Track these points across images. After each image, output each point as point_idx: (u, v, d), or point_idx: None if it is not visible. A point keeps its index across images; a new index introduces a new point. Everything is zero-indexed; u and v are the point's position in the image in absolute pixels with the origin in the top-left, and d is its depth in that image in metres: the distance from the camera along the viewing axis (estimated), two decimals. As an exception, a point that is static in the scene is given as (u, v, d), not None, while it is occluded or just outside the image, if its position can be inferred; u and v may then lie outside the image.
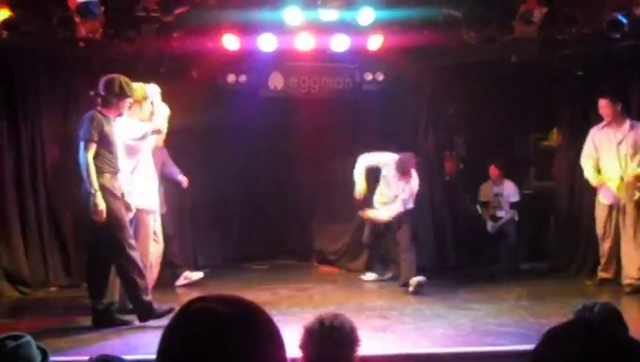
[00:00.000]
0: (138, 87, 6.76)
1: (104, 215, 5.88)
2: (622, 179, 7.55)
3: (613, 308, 3.55)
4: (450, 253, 9.10)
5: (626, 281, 7.50)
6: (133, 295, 6.09)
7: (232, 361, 1.33)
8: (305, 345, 3.03)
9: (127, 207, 6.23)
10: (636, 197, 7.44)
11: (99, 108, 6.08)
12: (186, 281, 8.07)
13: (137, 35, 7.34)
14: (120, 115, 6.27)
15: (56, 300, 7.08)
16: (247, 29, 7.89)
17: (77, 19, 6.68)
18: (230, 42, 7.90)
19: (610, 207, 7.67)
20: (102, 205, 5.86)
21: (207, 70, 8.66)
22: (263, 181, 9.83)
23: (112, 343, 5.61)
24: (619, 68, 8.20)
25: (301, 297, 7.50)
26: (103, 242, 6.04)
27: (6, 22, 6.52)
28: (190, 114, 8.46)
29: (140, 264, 6.10)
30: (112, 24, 7.11)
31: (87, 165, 5.89)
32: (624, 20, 6.87)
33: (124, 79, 6.17)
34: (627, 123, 7.60)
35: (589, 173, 7.77)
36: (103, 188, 5.92)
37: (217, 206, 9.48)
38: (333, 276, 9.06)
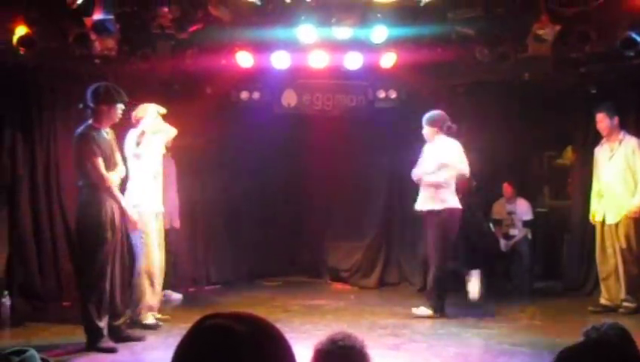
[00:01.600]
0: (150, 106, 6.82)
1: (138, 226, 5.90)
2: (614, 194, 7.54)
3: (622, 328, 3.51)
4: (463, 271, 9.05)
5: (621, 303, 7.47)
6: (85, 319, 5.95)
7: None
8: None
9: (131, 222, 6.24)
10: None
11: (89, 121, 6.03)
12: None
13: (152, 52, 7.39)
14: (113, 122, 6.18)
15: (69, 315, 7.09)
16: (261, 47, 7.94)
17: (93, 37, 6.74)
18: (244, 59, 7.95)
19: (602, 224, 7.65)
20: (135, 216, 5.92)
21: (221, 87, 8.72)
22: (276, 198, 9.84)
23: (124, 359, 5.61)
24: (633, 86, 8.19)
25: (313, 314, 7.49)
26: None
27: (23, 39, 6.58)
28: (204, 130, 8.53)
29: (106, 293, 5.93)
30: (127, 41, 7.16)
31: (104, 180, 5.87)
32: (638, 39, 6.86)
33: (111, 85, 6.14)
34: (619, 136, 7.60)
35: (593, 208, 7.76)
36: (92, 205, 5.88)
37: (230, 222, 9.50)
38: (345, 293, 9.04)
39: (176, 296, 8.21)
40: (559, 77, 8.29)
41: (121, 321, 6.12)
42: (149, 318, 6.70)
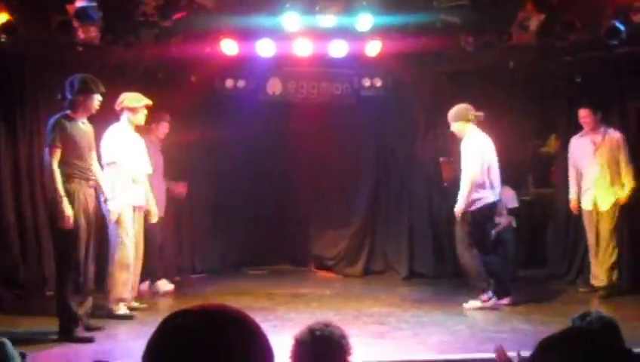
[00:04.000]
0: (131, 94, 6.81)
1: (71, 221, 5.84)
2: (604, 184, 7.73)
3: (608, 317, 3.54)
4: (447, 259, 9.09)
5: (597, 285, 7.72)
6: (61, 307, 5.94)
7: None
8: (295, 356, 3.01)
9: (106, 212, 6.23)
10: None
11: (66, 111, 6.04)
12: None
13: (136, 40, 7.33)
14: (90, 113, 6.18)
15: (53, 304, 7.05)
16: (245, 35, 7.89)
17: (75, 24, 6.68)
18: (229, 47, 7.90)
19: (591, 214, 7.85)
20: (68, 211, 5.83)
21: (206, 75, 8.67)
22: (261, 186, 9.82)
23: (106, 348, 5.59)
24: (616, 74, 8.23)
25: (298, 302, 7.49)
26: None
27: (5, 26, 6.51)
28: (188, 119, 8.48)
29: (79, 280, 5.96)
30: (110, 29, 7.09)
31: (52, 172, 5.86)
32: (622, 27, 6.88)
33: (88, 76, 6.13)
34: (601, 130, 7.77)
35: (571, 195, 8.01)
36: (69, 195, 5.87)
37: (215, 211, 9.47)
38: (330, 281, 9.05)
39: (168, 287, 8.13)
40: (544, 65, 8.32)
41: (83, 310, 6.09)
42: (121, 309, 6.70)
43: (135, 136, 6.98)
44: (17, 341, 5.46)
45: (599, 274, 7.72)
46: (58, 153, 5.89)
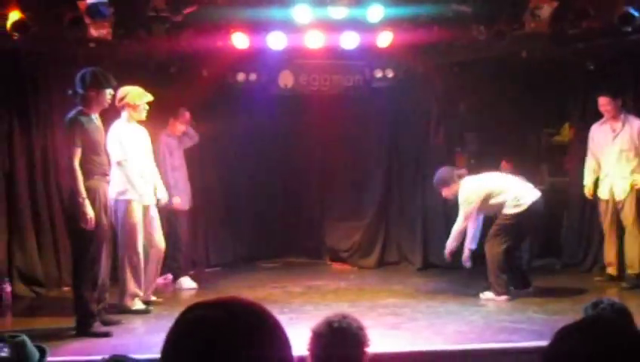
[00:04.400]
0: (134, 90, 6.80)
1: (93, 222, 5.87)
2: (622, 172, 7.68)
3: (620, 304, 3.53)
4: (462, 249, 9.06)
5: (628, 274, 7.64)
6: (78, 303, 5.98)
7: None
8: (313, 348, 3.03)
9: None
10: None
11: (79, 107, 6.03)
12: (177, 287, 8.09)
13: (147, 35, 7.35)
14: (103, 108, 6.19)
15: (69, 300, 7.11)
16: (256, 28, 7.89)
17: (87, 20, 6.70)
18: (240, 41, 7.90)
19: (607, 203, 7.80)
20: (91, 213, 5.84)
21: (217, 69, 8.66)
22: (274, 179, 9.83)
23: (125, 342, 5.64)
24: (630, 62, 8.17)
25: (313, 295, 7.51)
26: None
27: (17, 24, 6.54)
28: (200, 113, 8.50)
29: (98, 277, 6.01)
30: (122, 25, 7.12)
31: (73, 171, 5.86)
32: (635, 14, 6.82)
33: (99, 70, 6.12)
34: (621, 117, 7.69)
35: (586, 181, 7.96)
36: (88, 191, 5.88)
37: (228, 204, 9.49)
38: (345, 273, 9.06)
39: (191, 285, 8.09)
40: (557, 54, 8.25)
41: (100, 306, 6.14)
42: (137, 304, 6.73)
43: (138, 132, 6.95)
44: (35, 337, 5.53)
45: (633, 262, 7.61)
46: (78, 153, 5.89)
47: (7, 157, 7.65)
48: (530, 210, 7.16)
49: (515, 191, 7.21)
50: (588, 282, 7.95)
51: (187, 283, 8.00)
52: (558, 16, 7.11)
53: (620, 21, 6.95)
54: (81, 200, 5.82)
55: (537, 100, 9.19)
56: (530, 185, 7.42)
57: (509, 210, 7.16)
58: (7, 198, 7.61)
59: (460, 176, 7.40)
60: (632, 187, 7.62)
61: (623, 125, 7.69)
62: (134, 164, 6.79)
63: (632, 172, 7.65)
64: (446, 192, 7.43)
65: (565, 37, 7.54)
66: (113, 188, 6.58)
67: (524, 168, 9.13)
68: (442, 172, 7.50)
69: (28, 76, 7.84)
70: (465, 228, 7.33)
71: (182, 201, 7.96)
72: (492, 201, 7.24)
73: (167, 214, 7.72)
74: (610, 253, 7.88)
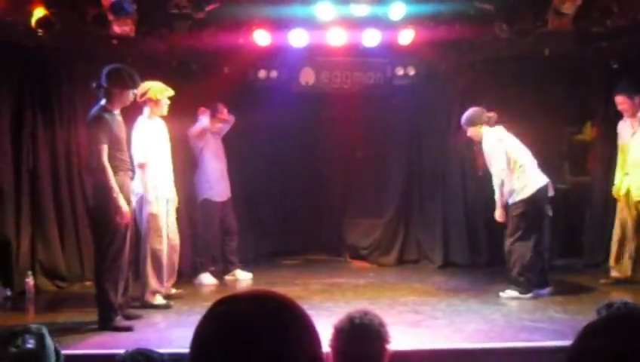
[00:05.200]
0: (155, 85, 6.85)
1: (129, 217, 5.93)
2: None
3: (633, 304, 3.52)
4: (482, 248, 9.03)
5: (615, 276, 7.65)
6: (101, 298, 6.03)
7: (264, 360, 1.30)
8: (335, 344, 3.04)
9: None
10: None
11: (101, 103, 6.07)
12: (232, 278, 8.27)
13: (169, 32, 7.39)
14: (124, 106, 6.24)
15: (92, 294, 7.17)
16: (278, 25, 7.90)
17: (110, 17, 6.75)
18: (261, 38, 7.92)
19: (626, 201, 7.70)
20: (125, 207, 5.91)
21: (239, 66, 8.70)
22: (295, 176, 9.85)
23: (146, 336, 5.68)
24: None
25: (333, 292, 7.52)
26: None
27: (41, 20, 6.60)
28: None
29: (122, 272, 6.04)
30: (144, 22, 7.16)
31: (104, 168, 5.89)
32: (660, 12, 6.75)
33: (125, 69, 6.16)
34: (639, 115, 7.61)
35: (617, 180, 7.81)
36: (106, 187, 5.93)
37: (249, 201, 9.52)
38: (365, 271, 9.06)
39: (246, 275, 8.33)
40: (580, 52, 8.18)
41: (122, 300, 6.19)
42: (157, 299, 6.80)
43: (160, 127, 7.02)
44: (58, 331, 5.60)
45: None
46: (106, 149, 5.93)
47: (32, 153, 7.72)
48: (536, 197, 7.10)
49: (524, 173, 7.13)
50: (609, 282, 7.87)
51: (207, 279, 8.05)
52: (581, 14, 7.05)
53: (644, 19, 6.88)
54: (115, 195, 5.87)
55: (560, 99, 9.12)
56: (538, 171, 7.27)
57: (516, 197, 7.09)
58: (30, 193, 7.69)
59: (490, 120, 7.28)
60: None
61: None
62: (156, 160, 6.85)
63: None
64: (471, 132, 7.34)
65: (589, 35, 7.48)
66: (137, 185, 6.66)
67: (546, 166, 9.08)
68: (472, 111, 7.36)
69: (52, 72, 7.91)
70: (505, 178, 7.12)
71: (216, 193, 8.11)
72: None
73: (202, 206, 7.98)
74: (616, 254, 7.78)
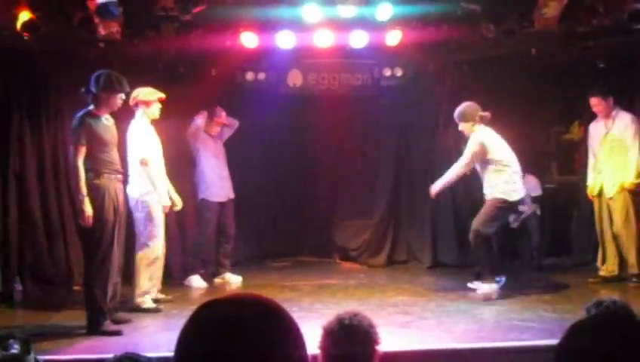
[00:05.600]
0: (145, 89, 6.85)
1: (91, 220, 5.88)
2: (612, 168, 7.70)
3: (622, 302, 3.53)
4: (471, 248, 9.04)
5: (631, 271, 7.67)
6: (89, 302, 5.99)
7: None
8: (324, 345, 3.03)
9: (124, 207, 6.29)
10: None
11: (89, 107, 6.07)
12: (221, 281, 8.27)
13: (156, 35, 7.37)
14: (112, 110, 6.22)
15: (80, 299, 7.14)
16: (265, 27, 7.90)
17: (96, 20, 6.73)
18: (249, 40, 7.91)
19: (600, 200, 7.83)
20: (89, 211, 5.86)
21: (226, 68, 8.69)
22: (283, 178, 9.84)
23: (135, 340, 5.65)
24: (641, 59, 8.14)
25: (323, 293, 7.51)
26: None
27: (27, 24, 6.57)
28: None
29: (110, 276, 6.00)
30: (131, 24, 7.14)
31: (76, 169, 5.89)
32: (645, 11, 6.78)
33: (113, 74, 6.15)
34: (612, 114, 7.73)
35: (589, 181, 7.97)
36: (97, 189, 5.92)
37: (238, 203, 9.48)
38: (354, 272, 9.06)
39: (236, 279, 8.31)
40: (566, 52, 8.22)
41: (111, 304, 6.15)
42: (147, 302, 6.77)
43: (152, 130, 7.03)
44: (46, 335, 5.57)
45: (631, 261, 7.61)
46: (83, 151, 5.92)
47: (18, 157, 7.68)
48: (514, 204, 7.26)
49: (512, 177, 7.20)
50: (598, 281, 7.91)
51: (196, 282, 8.02)
52: (568, 14, 7.08)
53: (630, 18, 6.91)
54: (81, 197, 5.86)
55: (547, 98, 9.16)
56: (521, 185, 7.35)
57: (502, 196, 7.15)
58: (17, 197, 7.64)
59: (482, 119, 7.30)
60: (621, 187, 7.58)
61: (614, 121, 7.72)
62: (154, 163, 6.85)
63: (622, 168, 7.60)
64: (462, 127, 7.35)
65: (575, 35, 7.52)
66: (136, 188, 6.69)
67: (534, 166, 9.12)
68: (466, 106, 7.36)
69: (38, 76, 7.87)
70: (462, 174, 7.30)
71: (213, 193, 8.14)
72: (489, 167, 7.20)
73: (199, 206, 8.02)
74: (601, 254, 7.88)
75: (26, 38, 6.73)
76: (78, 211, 5.95)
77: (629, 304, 3.64)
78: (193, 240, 8.23)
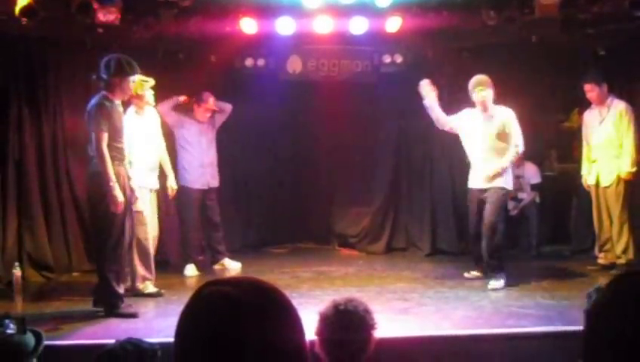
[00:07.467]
0: (137, 81, 6.80)
1: (121, 207, 5.90)
2: (607, 157, 7.64)
3: None
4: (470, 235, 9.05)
5: (602, 262, 7.72)
6: (104, 288, 6.04)
7: (248, 346, 1.29)
8: (321, 331, 3.04)
9: (132, 194, 6.29)
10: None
11: (103, 92, 6.03)
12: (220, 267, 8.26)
13: (155, 20, 7.34)
14: (126, 95, 6.22)
15: (80, 285, 7.14)
16: (265, 13, 7.87)
17: (95, 6, 6.70)
18: (248, 26, 7.89)
19: (597, 189, 7.77)
20: (120, 197, 5.87)
21: (226, 54, 8.66)
22: (282, 165, 9.83)
23: (135, 326, 5.67)
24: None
25: (322, 280, 7.53)
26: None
27: (25, 9, 6.55)
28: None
29: (123, 260, 6.09)
30: (130, 10, 7.12)
31: (103, 156, 5.85)
32: (647, -2, 6.77)
33: (124, 58, 6.10)
34: (607, 102, 7.64)
35: (582, 170, 7.93)
36: (102, 175, 5.89)
37: (237, 190, 9.51)
38: (353, 259, 9.08)
39: (235, 265, 8.29)
40: (567, 39, 8.20)
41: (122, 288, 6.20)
42: (149, 287, 6.80)
43: (146, 120, 7.01)
44: (46, 322, 5.58)
45: (618, 251, 7.61)
46: (105, 137, 5.88)
47: (17, 144, 7.67)
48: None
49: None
50: (596, 268, 7.92)
51: (190, 271, 7.99)
52: (568, 1, 7.06)
53: (631, 6, 6.90)
54: (112, 183, 5.83)
55: (547, 86, 9.14)
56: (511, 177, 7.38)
57: (504, 184, 7.19)
58: (17, 184, 7.64)
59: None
60: (618, 177, 7.55)
61: (609, 109, 7.63)
62: (138, 153, 6.82)
63: (617, 157, 7.56)
64: (487, 94, 7.28)
65: (576, 22, 7.50)
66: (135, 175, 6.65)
67: (534, 154, 9.11)
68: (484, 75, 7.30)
69: (37, 62, 7.84)
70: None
71: (193, 179, 8.02)
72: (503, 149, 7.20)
73: (180, 192, 7.77)
74: (599, 242, 7.87)
75: (24, 23, 6.70)
76: (102, 197, 5.87)
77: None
78: (181, 228, 8.16)
